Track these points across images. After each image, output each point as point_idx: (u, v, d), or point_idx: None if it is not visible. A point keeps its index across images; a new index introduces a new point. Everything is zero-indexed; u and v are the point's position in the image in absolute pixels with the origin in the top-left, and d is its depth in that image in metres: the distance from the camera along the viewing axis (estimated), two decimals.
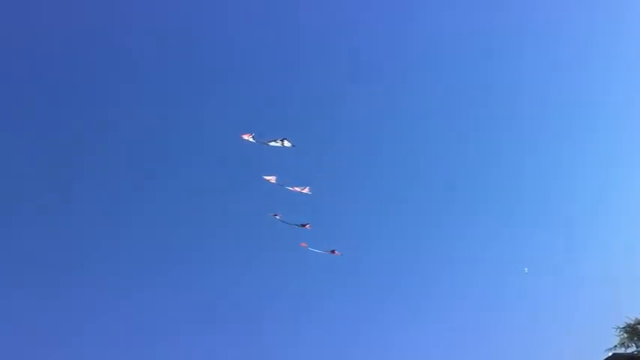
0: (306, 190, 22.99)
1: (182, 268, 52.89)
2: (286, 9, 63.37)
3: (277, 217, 23.83)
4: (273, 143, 21.34)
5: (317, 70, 64.42)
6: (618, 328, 34.77)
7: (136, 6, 60.52)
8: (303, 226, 24.37)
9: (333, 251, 25.92)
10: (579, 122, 67.81)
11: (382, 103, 63.16)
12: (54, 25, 58.03)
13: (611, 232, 60.22)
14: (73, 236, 53.16)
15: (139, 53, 59.83)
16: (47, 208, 53.34)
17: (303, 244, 25.22)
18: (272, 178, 22.64)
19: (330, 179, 57.01)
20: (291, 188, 22.89)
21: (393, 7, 64.21)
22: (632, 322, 33.99)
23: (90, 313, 47.21)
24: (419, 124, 65.83)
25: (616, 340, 35.25)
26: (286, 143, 21.36)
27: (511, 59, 66.55)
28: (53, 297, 47.49)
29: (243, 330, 49.50)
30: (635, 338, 34.22)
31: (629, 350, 34.87)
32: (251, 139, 21.66)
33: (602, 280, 50.99)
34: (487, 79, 67.75)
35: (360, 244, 56.26)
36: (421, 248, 58.44)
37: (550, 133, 65.94)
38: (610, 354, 35.91)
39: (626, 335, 34.46)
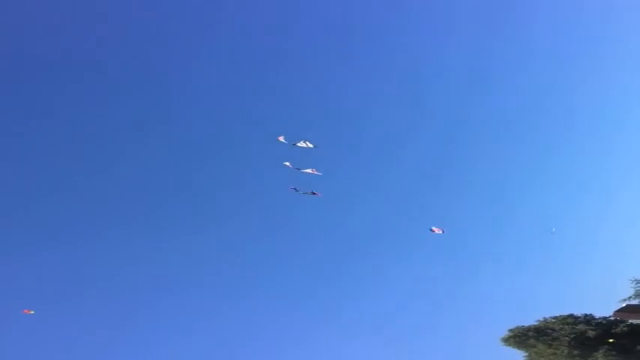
0: (316, 172, 26.75)
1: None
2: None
3: (295, 189, 27.99)
4: (300, 144, 25.92)
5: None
6: (635, 280, 34.72)
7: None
8: (314, 194, 28.22)
9: (433, 229, 29.91)
10: None
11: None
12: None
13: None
14: None
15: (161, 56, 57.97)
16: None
17: (438, 230, 29.19)
18: (288, 163, 26.67)
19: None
20: (304, 170, 26.73)
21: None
22: None
23: None
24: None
25: (631, 292, 35.35)
26: (309, 144, 25.93)
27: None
28: None
29: None
30: None
31: None
32: (284, 141, 26.41)
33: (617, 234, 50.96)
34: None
35: None
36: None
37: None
38: (624, 305, 36.13)
39: None
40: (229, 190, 59.14)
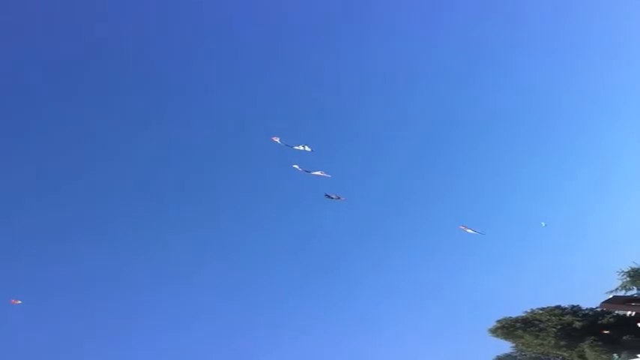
0: (325, 174, 26.99)
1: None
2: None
3: (327, 195, 27.97)
4: (296, 147, 25.83)
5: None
6: (622, 272, 34.98)
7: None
8: (338, 197, 28.46)
9: (464, 226, 29.13)
10: None
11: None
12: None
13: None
14: None
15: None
16: None
17: (464, 228, 28.40)
18: (297, 166, 26.83)
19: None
20: (313, 173, 26.80)
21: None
22: (638, 267, 34.11)
23: None
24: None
25: (618, 284, 35.66)
26: (307, 148, 25.77)
27: None
28: None
29: None
30: (638, 282, 34.54)
31: (629, 293, 35.41)
32: (278, 141, 26.25)
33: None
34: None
35: None
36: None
37: None
38: (610, 296, 36.47)
39: (628, 279, 34.74)
40: (240, 191, 58.66)
